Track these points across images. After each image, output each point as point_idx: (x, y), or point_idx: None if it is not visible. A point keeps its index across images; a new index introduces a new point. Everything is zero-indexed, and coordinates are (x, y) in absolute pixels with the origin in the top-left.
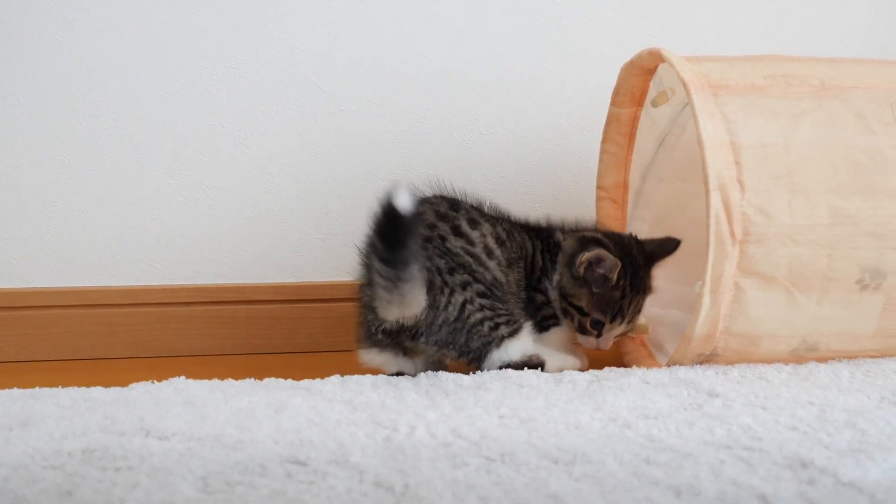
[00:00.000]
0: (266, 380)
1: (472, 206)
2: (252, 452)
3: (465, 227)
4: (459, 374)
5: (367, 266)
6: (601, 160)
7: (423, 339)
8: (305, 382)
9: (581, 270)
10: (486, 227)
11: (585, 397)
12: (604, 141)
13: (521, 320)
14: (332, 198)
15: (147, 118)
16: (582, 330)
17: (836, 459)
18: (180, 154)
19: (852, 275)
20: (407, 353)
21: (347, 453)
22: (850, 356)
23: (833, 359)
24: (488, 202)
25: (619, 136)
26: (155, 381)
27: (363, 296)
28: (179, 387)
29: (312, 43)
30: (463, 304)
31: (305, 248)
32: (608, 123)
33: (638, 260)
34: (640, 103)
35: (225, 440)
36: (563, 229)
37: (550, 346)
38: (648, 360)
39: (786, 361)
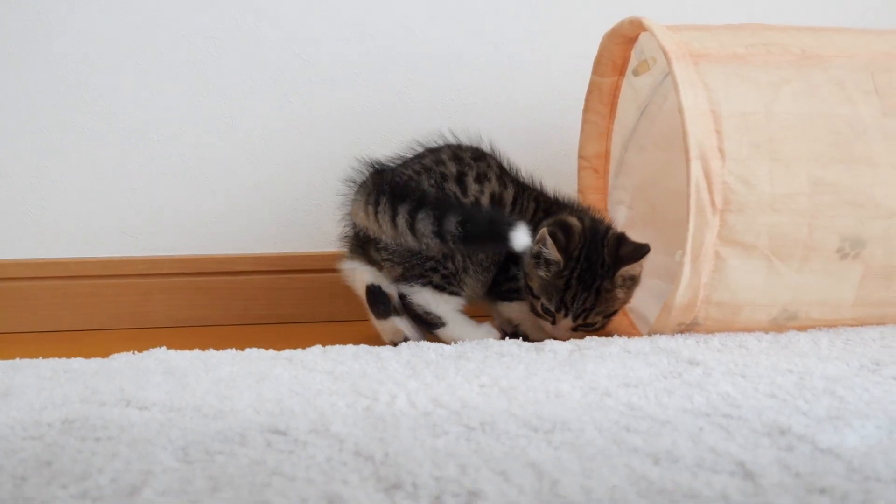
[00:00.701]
0: (247, 350)
1: (496, 163)
2: (232, 422)
3: (469, 178)
4: (441, 344)
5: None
6: (583, 130)
7: (383, 252)
8: (287, 353)
9: (536, 248)
10: (492, 185)
11: (566, 366)
12: (585, 110)
13: (457, 286)
14: (314, 169)
15: (127, 88)
16: (534, 311)
17: (815, 426)
18: (162, 124)
19: (832, 244)
20: (374, 263)
21: (328, 423)
22: (830, 325)
23: (813, 327)
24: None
25: (601, 105)
26: (136, 352)
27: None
28: (160, 357)
29: (295, 13)
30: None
31: (288, 219)
32: (590, 93)
33: (600, 259)
34: (621, 72)
35: (205, 410)
36: (572, 210)
37: (509, 316)
38: (630, 329)
39: (766, 330)
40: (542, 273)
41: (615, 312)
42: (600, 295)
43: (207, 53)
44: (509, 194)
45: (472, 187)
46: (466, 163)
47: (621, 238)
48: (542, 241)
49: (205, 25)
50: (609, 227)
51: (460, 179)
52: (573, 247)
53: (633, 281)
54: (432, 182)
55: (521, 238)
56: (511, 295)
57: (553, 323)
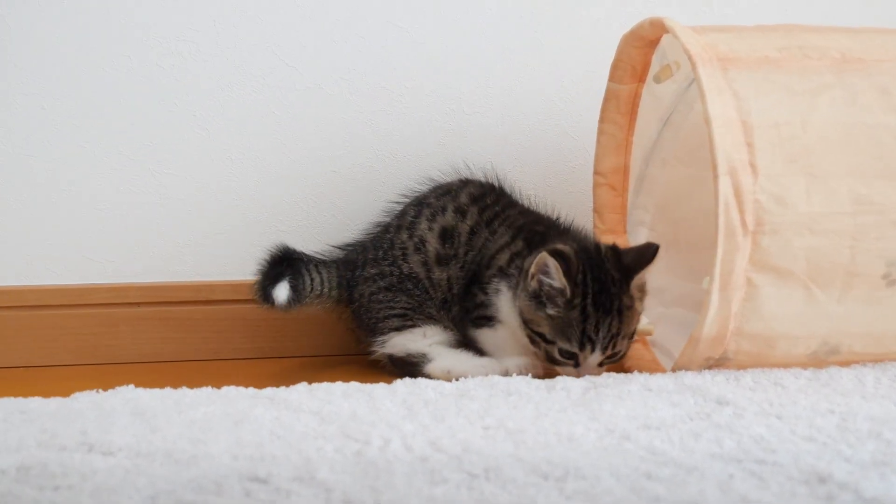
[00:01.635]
0: (224, 388)
1: (470, 192)
2: (207, 469)
3: (423, 218)
4: (441, 382)
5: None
6: (598, 142)
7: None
8: (269, 391)
9: (534, 284)
10: (446, 219)
11: (580, 406)
12: (601, 121)
13: (421, 319)
14: (298, 186)
15: (92, 98)
16: (551, 360)
17: (858, 473)
18: (129, 138)
19: (877, 269)
20: None
21: (314, 469)
22: (876, 359)
23: (856, 362)
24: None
25: (619, 115)
26: (100, 391)
27: None
28: (127, 396)
29: (276, 13)
30: (370, 294)
31: (269, 240)
32: (606, 101)
33: (608, 275)
34: (641, 79)
35: (177, 455)
36: (559, 235)
37: (487, 346)
38: (651, 364)
39: (804, 365)
40: (550, 312)
41: (635, 332)
42: (623, 315)
43: (179, 57)
44: (465, 226)
45: (421, 227)
46: (427, 203)
47: (615, 248)
48: (543, 269)
49: (175, 27)
50: (597, 243)
51: (412, 225)
52: (575, 272)
53: (644, 290)
54: (378, 238)
55: (280, 293)
56: (481, 322)
57: (577, 365)
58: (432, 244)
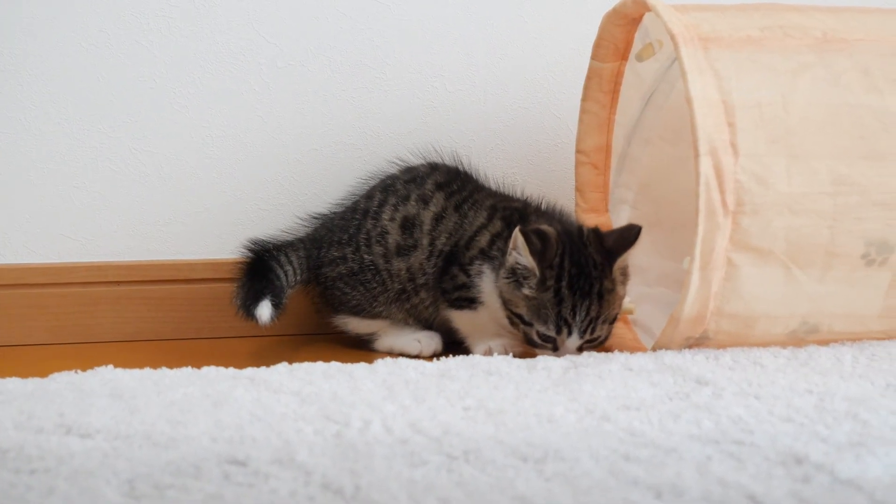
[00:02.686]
0: (204, 368)
1: (437, 179)
2: (186, 451)
3: (388, 206)
4: (422, 361)
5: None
6: (581, 121)
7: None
8: (249, 371)
9: (511, 260)
10: (407, 208)
11: (560, 386)
12: (584, 99)
13: (370, 314)
14: (278, 163)
15: (70, 75)
16: (530, 342)
17: (834, 454)
18: (108, 115)
19: (857, 249)
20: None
21: (293, 452)
22: (855, 338)
23: (835, 341)
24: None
25: (601, 93)
26: (79, 371)
27: None
28: (106, 377)
29: None
30: (333, 279)
31: (249, 219)
32: (588, 80)
33: (589, 258)
34: (624, 57)
35: (155, 438)
36: (539, 216)
37: (464, 327)
38: (633, 343)
39: (784, 345)
40: (526, 292)
41: (617, 315)
42: (603, 298)
43: (157, 33)
44: (429, 213)
45: (384, 217)
46: (393, 190)
47: (597, 231)
48: (515, 246)
49: (158, 3)
50: (579, 226)
51: (377, 214)
52: (552, 254)
53: (626, 273)
54: (345, 218)
55: (263, 311)
56: (461, 303)
57: (555, 349)
58: (393, 235)
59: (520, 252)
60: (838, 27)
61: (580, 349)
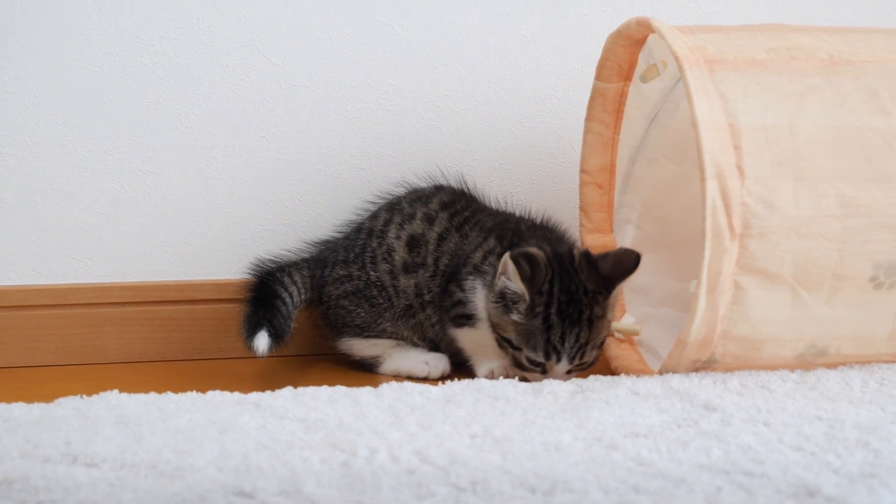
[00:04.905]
0: (209, 393)
1: (441, 198)
2: (191, 482)
3: (393, 225)
4: (427, 386)
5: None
6: (585, 140)
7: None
8: (254, 396)
9: (500, 284)
10: (413, 227)
11: (567, 412)
12: (588, 119)
13: (375, 334)
14: (282, 184)
15: (73, 95)
16: (519, 366)
17: (847, 486)
18: (112, 136)
19: (865, 271)
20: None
21: (299, 483)
22: (863, 361)
23: (844, 364)
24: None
25: (605, 113)
26: (84, 396)
27: None
28: (112, 403)
29: (260, 9)
30: (337, 298)
31: (253, 240)
32: (592, 100)
33: (579, 285)
34: (628, 77)
35: (161, 467)
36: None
37: (466, 346)
38: (638, 365)
39: (791, 368)
40: (515, 317)
41: (605, 339)
42: (593, 325)
43: (162, 54)
44: (433, 233)
45: (390, 235)
46: (399, 209)
47: (589, 256)
48: (504, 271)
49: (158, 24)
50: (570, 249)
51: (383, 233)
52: (541, 279)
53: (617, 297)
54: (350, 239)
55: (260, 343)
56: (460, 321)
57: (543, 372)
58: (399, 253)
59: (510, 278)
60: (844, 49)
61: (569, 373)
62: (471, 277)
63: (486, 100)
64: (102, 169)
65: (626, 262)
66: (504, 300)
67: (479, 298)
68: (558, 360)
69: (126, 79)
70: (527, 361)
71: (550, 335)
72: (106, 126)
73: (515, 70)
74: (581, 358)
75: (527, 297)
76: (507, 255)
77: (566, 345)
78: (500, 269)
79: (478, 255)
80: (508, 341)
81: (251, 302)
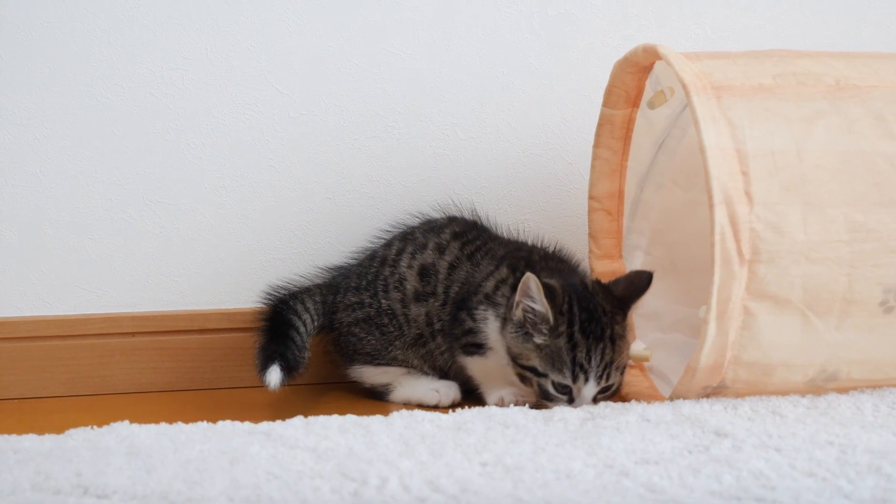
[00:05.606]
0: (220, 423)
1: (454, 229)
2: None
3: (405, 254)
4: (438, 414)
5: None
6: (593, 167)
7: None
8: (264, 426)
9: (519, 313)
10: (424, 257)
11: (578, 439)
12: (596, 146)
13: (385, 361)
14: (291, 213)
15: (83, 126)
16: (545, 396)
17: None
18: (121, 166)
19: (875, 296)
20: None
21: None
22: (874, 385)
23: (855, 388)
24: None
25: (613, 140)
26: (94, 427)
27: None
28: (122, 433)
29: (268, 39)
30: (348, 325)
31: (263, 269)
32: (600, 126)
33: (597, 305)
34: (635, 104)
35: (172, 497)
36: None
37: (476, 374)
38: (649, 391)
39: (802, 393)
40: (538, 341)
41: (626, 364)
42: (615, 343)
43: (171, 85)
44: (444, 263)
45: (402, 264)
46: (412, 239)
47: (600, 283)
48: (525, 292)
49: (167, 55)
50: (582, 279)
51: (395, 262)
52: (560, 301)
53: (631, 321)
54: (363, 266)
55: (272, 377)
56: (470, 350)
57: (571, 401)
58: (411, 282)
59: (533, 297)
60: (851, 74)
61: (595, 399)
62: (482, 307)
63: (495, 127)
64: (112, 199)
65: (640, 282)
66: (524, 328)
67: (490, 329)
68: (586, 380)
69: (136, 110)
70: (553, 389)
71: (577, 354)
72: (116, 157)
73: (523, 97)
74: (607, 379)
75: (550, 316)
76: (528, 276)
77: (592, 363)
78: (517, 295)
79: (489, 284)
80: (532, 370)
81: (264, 333)
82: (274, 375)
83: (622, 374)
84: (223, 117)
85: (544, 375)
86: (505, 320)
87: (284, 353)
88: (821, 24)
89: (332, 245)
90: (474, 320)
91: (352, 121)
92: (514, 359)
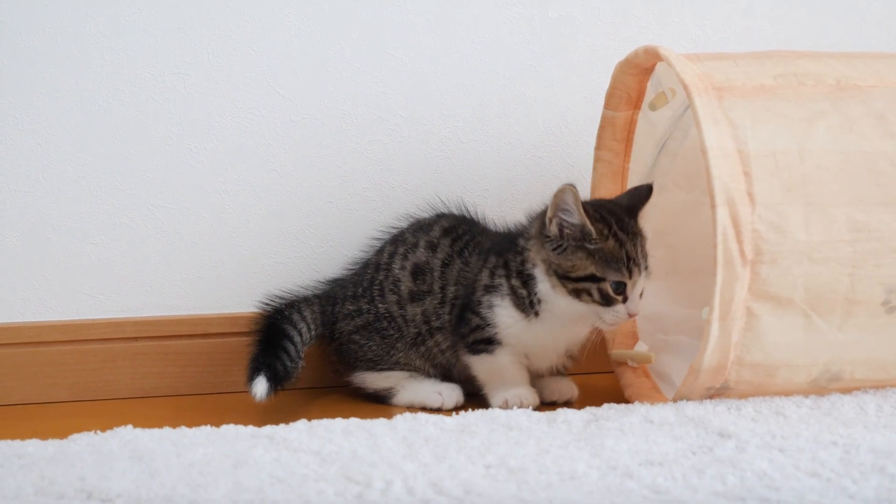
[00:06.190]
0: (223, 427)
1: (443, 225)
2: None
3: (397, 257)
4: (441, 416)
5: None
6: (595, 169)
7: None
8: (268, 429)
9: (554, 229)
10: (417, 255)
11: (581, 441)
12: (597, 148)
13: (387, 366)
14: (294, 217)
15: (85, 131)
16: (607, 300)
17: None
18: (124, 171)
19: (877, 296)
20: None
21: None
22: (878, 385)
23: (858, 389)
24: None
25: (615, 142)
26: (98, 432)
27: None
28: (126, 438)
29: (269, 43)
30: (348, 333)
31: (266, 273)
32: (602, 128)
33: (616, 208)
34: (636, 105)
35: (176, 501)
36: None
37: (482, 374)
38: (652, 393)
39: (805, 393)
40: (590, 246)
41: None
42: (641, 239)
43: (173, 90)
44: (437, 260)
45: (395, 267)
46: (402, 240)
47: (605, 199)
48: (562, 206)
49: (169, 59)
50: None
51: (388, 265)
52: (590, 211)
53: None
54: (358, 274)
55: (258, 388)
56: (478, 347)
57: (625, 300)
58: (405, 283)
59: (570, 209)
60: (851, 74)
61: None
62: (485, 298)
63: (496, 130)
64: (115, 204)
65: (641, 193)
66: (565, 240)
67: (498, 315)
68: (639, 272)
69: (137, 114)
70: (611, 290)
71: (627, 249)
72: (118, 161)
73: (525, 100)
74: (647, 272)
75: (589, 225)
76: (564, 187)
77: (639, 256)
78: (550, 212)
79: (485, 276)
80: (590, 277)
81: (257, 343)
82: (260, 387)
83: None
84: (225, 121)
85: (602, 279)
86: (544, 248)
87: (273, 365)
88: (821, 25)
89: (334, 249)
90: (480, 315)
91: (353, 124)
92: (566, 276)
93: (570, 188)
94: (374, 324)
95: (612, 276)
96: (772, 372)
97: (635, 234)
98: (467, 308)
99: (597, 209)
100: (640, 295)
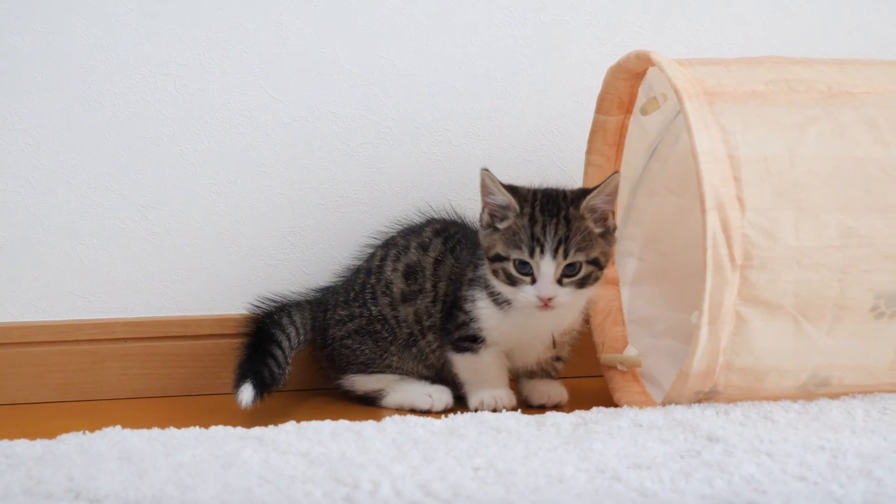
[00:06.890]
0: (212, 428)
1: (435, 227)
2: None
3: (388, 260)
4: (430, 419)
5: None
6: (586, 173)
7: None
8: (257, 431)
9: (486, 217)
10: (409, 257)
11: (570, 444)
12: (588, 152)
13: (379, 369)
14: (285, 219)
15: (76, 131)
16: (511, 280)
17: None
18: (114, 172)
19: (866, 301)
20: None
21: None
22: (866, 391)
23: (846, 394)
24: None
25: (606, 146)
26: (87, 433)
27: None
28: (114, 438)
29: (261, 45)
30: (341, 338)
31: (256, 275)
32: (593, 133)
33: (558, 193)
34: (628, 110)
35: (164, 502)
36: None
37: (464, 373)
38: (641, 396)
39: (794, 398)
40: (503, 224)
41: (598, 263)
42: (570, 224)
43: (164, 91)
44: (429, 259)
45: (387, 270)
46: (393, 244)
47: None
48: (486, 191)
49: (160, 61)
50: None
51: (380, 269)
52: (523, 190)
53: (606, 223)
54: (349, 280)
55: (243, 395)
56: (463, 345)
57: (533, 281)
58: (398, 285)
59: (492, 191)
60: (843, 80)
61: (560, 282)
62: (469, 293)
63: (488, 133)
64: (104, 205)
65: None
66: (492, 224)
67: (480, 309)
68: (542, 252)
69: (128, 115)
70: (515, 269)
71: (534, 229)
72: (108, 162)
73: (516, 104)
74: (565, 257)
75: (514, 203)
76: (481, 171)
77: (548, 237)
78: (481, 195)
79: (469, 270)
80: (497, 257)
81: (245, 347)
82: (245, 394)
83: (593, 265)
84: (216, 123)
85: (506, 259)
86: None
87: (260, 371)
88: (814, 32)
89: (324, 251)
90: (464, 310)
91: (345, 126)
92: (490, 260)
93: (485, 171)
94: (366, 327)
95: (514, 255)
96: (761, 376)
97: (562, 219)
98: (455, 304)
99: (526, 190)
100: (561, 281)
